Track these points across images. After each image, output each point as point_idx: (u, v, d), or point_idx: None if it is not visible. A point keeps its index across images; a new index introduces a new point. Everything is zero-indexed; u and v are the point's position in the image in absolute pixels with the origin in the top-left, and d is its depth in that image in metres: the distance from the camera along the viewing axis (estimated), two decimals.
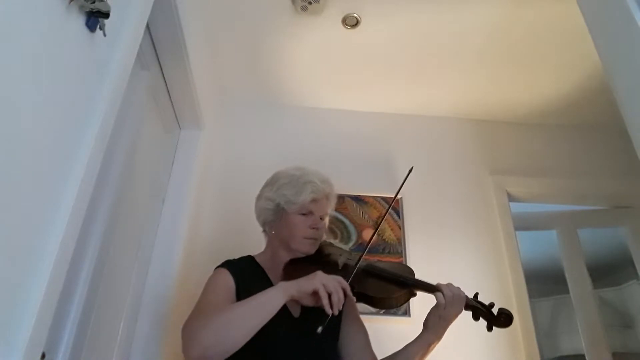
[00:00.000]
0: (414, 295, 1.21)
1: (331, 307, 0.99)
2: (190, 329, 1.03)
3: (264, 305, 0.99)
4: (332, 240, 2.05)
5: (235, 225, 2.09)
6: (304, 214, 1.25)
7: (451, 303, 1.11)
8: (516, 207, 2.34)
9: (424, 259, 2.05)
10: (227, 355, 0.98)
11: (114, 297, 1.39)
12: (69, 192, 0.84)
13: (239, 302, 1.05)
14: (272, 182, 1.33)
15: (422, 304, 1.84)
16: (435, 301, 1.13)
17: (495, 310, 1.16)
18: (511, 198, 2.33)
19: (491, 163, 2.41)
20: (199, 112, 1.90)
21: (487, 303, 1.17)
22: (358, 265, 1.16)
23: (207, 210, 2.10)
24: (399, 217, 2.16)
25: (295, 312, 1.17)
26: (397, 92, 2.39)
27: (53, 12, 0.75)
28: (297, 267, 1.21)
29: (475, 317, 1.16)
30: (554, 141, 2.53)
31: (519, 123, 2.57)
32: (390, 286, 1.19)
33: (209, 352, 0.96)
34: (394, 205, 2.19)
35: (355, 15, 1.90)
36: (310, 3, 1.80)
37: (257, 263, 1.28)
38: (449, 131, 2.51)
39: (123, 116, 1.23)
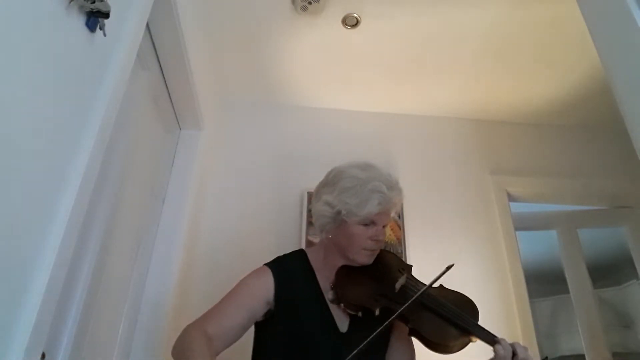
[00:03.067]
0: (473, 342, 1.05)
1: None
2: (185, 330, 1.02)
3: None
4: None
5: (235, 225, 2.09)
6: (365, 224, 1.13)
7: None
8: (516, 207, 2.34)
9: (423, 259, 2.05)
10: None
11: (114, 297, 1.39)
12: (69, 192, 0.84)
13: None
14: (333, 183, 1.17)
15: None
16: (494, 354, 1.00)
17: None
18: (511, 198, 2.33)
19: (491, 163, 2.41)
20: (199, 112, 1.90)
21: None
22: (416, 296, 1.01)
23: (207, 210, 2.10)
24: (399, 217, 2.16)
25: (343, 326, 1.10)
26: (397, 92, 2.39)
27: (53, 12, 0.75)
28: (350, 275, 1.12)
29: None
30: (554, 141, 2.53)
31: (519, 123, 2.57)
32: (449, 329, 1.04)
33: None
34: None
35: (355, 15, 1.90)
36: (310, 3, 1.80)
37: (308, 261, 1.19)
38: (449, 131, 2.51)
39: (123, 116, 1.23)
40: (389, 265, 1.19)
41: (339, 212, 1.13)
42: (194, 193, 1.90)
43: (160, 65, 1.61)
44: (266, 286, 1.10)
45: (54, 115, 0.79)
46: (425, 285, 1.10)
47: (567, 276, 2.43)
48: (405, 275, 1.15)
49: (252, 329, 1.14)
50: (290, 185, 2.20)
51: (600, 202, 2.53)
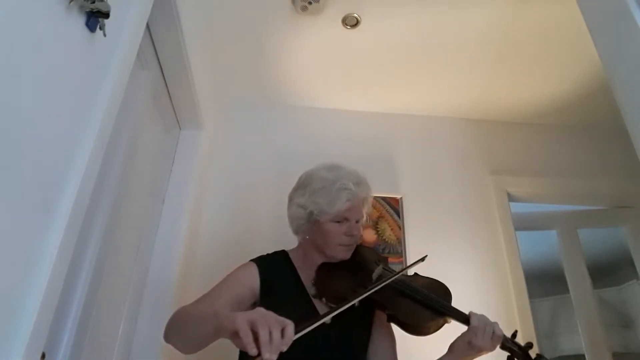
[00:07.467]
0: (448, 322, 1.11)
1: (258, 349, 0.74)
2: (177, 310, 1.06)
3: (203, 325, 0.94)
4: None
5: (235, 224, 2.09)
6: (338, 221, 1.19)
7: (484, 334, 1.04)
8: (516, 207, 2.34)
9: None
10: (187, 349, 1.00)
11: (114, 296, 1.39)
12: (69, 192, 0.84)
13: (202, 310, 1.02)
14: (304, 186, 1.25)
15: None
16: (467, 327, 1.07)
17: (532, 354, 1.08)
18: (511, 198, 2.33)
19: (491, 163, 2.41)
20: (199, 112, 1.90)
21: (523, 344, 1.10)
22: (384, 282, 1.07)
23: (207, 211, 2.10)
24: (399, 217, 2.16)
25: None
26: (397, 92, 2.39)
27: (53, 12, 0.75)
28: (329, 271, 1.19)
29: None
30: (554, 141, 2.53)
31: (518, 123, 2.57)
32: (424, 312, 1.10)
33: (169, 340, 1.03)
34: (394, 205, 2.20)
35: (355, 15, 1.90)
36: (310, 3, 1.80)
37: (290, 260, 1.26)
38: (449, 131, 2.51)
39: (123, 116, 1.23)
40: (365, 258, 1.27)
41: (311, 213, 1.20)
42: (194, 193, 1.90)
43: (160, 65, 1.61)
44: (252, 277, 1.16)
45: (54, 115, 0.79)
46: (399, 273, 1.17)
47: (567, 276, 2.43)
48: (381, 266, 1.22)
49: None
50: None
51: (600, 202, 2.53)
